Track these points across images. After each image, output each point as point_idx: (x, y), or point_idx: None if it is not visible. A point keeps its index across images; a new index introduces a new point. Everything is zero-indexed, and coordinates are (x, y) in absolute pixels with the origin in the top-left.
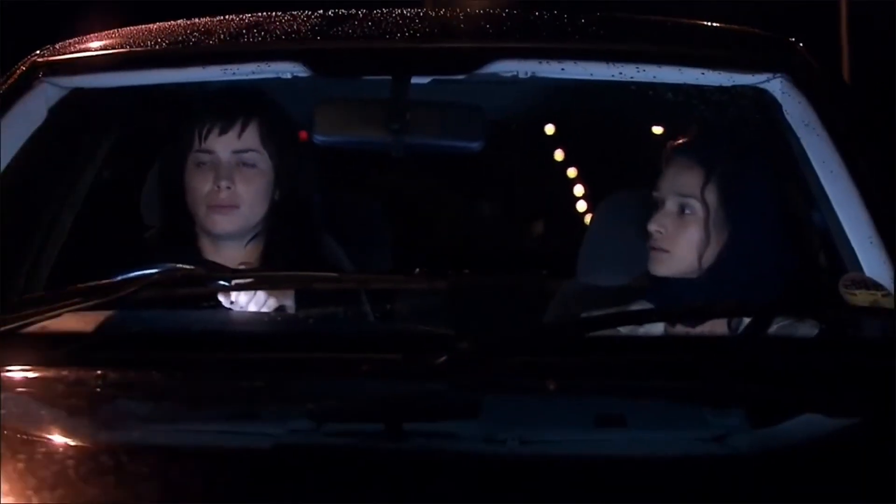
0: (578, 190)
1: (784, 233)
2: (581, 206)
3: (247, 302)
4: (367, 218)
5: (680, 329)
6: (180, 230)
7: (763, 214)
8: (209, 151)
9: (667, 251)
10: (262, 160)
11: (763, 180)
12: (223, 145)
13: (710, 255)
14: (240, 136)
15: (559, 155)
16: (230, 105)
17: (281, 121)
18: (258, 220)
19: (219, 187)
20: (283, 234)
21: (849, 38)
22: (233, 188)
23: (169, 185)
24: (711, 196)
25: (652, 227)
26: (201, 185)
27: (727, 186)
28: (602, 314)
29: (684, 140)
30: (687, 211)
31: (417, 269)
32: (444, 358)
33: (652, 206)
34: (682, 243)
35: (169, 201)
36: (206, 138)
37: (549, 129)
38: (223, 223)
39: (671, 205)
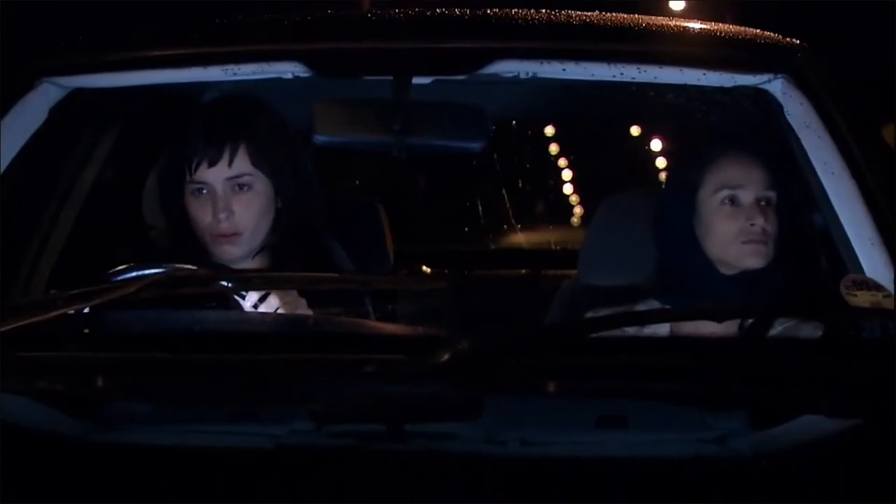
0: (579, 189)
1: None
2: (582, 205)
3: (258, 306)
4: (368, 218)
5: (685, 329)
6: (189, 250)
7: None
8: (202, 182)
9: (765, 243)
10: (258, 180)
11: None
12: (215, 175)
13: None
14: (230, 164)
15: (559, 153)
16: (216, 133)
17: (271, 135)
18: (264, 235)
19: (218, 219)
20: (290, 242)
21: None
22: (231, 217)
23: (171, 209)
24: (780, 189)
25: (759, 221)
26: (201, 216)
27: (782, 182)
28: (605, 315)
29: (728, 136)
30: (769, 203)
31: (419, 269)
32: (445, 358)
33: (726, 204)
34: (773, 235)
35: (174, 225)
36: (196, 170)
37: (550, 129)
38: (230, 252)
39: (756, 197)
